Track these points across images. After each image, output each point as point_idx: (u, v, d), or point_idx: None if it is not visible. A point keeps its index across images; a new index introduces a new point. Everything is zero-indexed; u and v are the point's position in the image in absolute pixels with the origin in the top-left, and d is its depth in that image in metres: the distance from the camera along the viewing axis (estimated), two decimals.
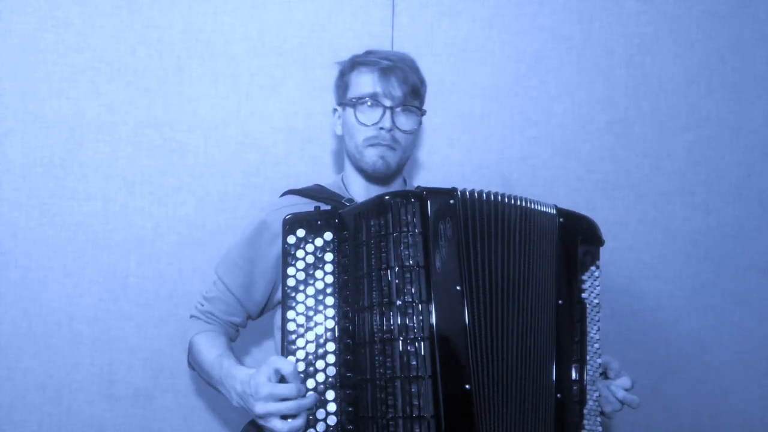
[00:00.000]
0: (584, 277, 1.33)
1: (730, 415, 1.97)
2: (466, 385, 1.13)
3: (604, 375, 1.36)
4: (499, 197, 1.27)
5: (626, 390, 1.33)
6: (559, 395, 1.25)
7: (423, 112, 1.49)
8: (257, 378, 1.15)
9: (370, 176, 1.47)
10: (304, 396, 1.15)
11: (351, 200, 1.45)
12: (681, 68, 1.98)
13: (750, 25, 2.00)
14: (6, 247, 1.74)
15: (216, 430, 1.79)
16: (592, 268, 1.34)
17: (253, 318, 1.51)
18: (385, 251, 1.16)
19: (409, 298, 1.14)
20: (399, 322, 1.14)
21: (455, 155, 1.89)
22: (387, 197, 1.19)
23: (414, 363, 1.12)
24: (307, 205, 1.42)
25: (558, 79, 1.93)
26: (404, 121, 1.44)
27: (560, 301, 1.28)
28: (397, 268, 1.15)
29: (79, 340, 1.75)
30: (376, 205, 1.20)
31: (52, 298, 1.75)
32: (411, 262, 1.15)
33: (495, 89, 1.91)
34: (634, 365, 1.91)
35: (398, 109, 1.42)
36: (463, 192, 1.23)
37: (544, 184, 1.92)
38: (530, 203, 1.30)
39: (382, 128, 1.41)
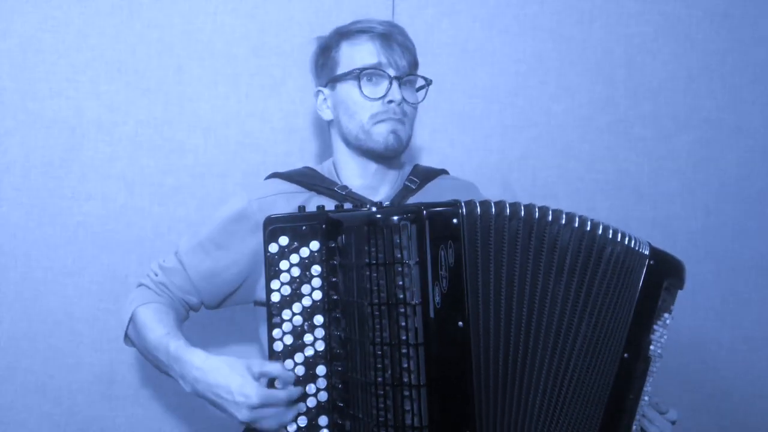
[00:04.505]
0: (657, 326, 1.18)
1: (730, 415, 1.97)
2: None
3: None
4: (536, 212, 1.08)
5: (672, 423, 1.20)
6: None
7: (429, 82, 1.35)
8: (244, 382, 1.07)
9: (381, 156, 1.32)
10: (295, 402, 1.08)
11: (345, 188, 1.33)
12: (681, 68, 1.98)
13: (750, 25, 2.00)
14: (6, 247, 1.74)
15: (216, 429, 1.79)
16: (666, 314, 1.20)
17: (208, 307, 1.37)
18: (377, 284, 1.03)
19: (404, 336, 1.01)
20: (392, 365, 1.02)
21: (455, 155, 1.89)
22: (379, 216, 1.04)
23: (408, 408, 1.01)
24: (294, 195, 1.32)
25: (558, 79, 1.93)
26: (410, 94, 1.32)
27: (626, 355, 1.14)
28: (390, 302, 1.02)
29: (79, 340, 1.75)
30: (366, 224, 1.04)
31: (52, 298, 1.75)
32: (406, 296, 1.02)
33: (495, 89, 1.91)
34: None
35: (404, 80, 1.30)
36: (472, 208, 1.04)
37: (544, 184, 1.92)
38: (615, 234, 1.13)
39: (391, 101, 1.27)
